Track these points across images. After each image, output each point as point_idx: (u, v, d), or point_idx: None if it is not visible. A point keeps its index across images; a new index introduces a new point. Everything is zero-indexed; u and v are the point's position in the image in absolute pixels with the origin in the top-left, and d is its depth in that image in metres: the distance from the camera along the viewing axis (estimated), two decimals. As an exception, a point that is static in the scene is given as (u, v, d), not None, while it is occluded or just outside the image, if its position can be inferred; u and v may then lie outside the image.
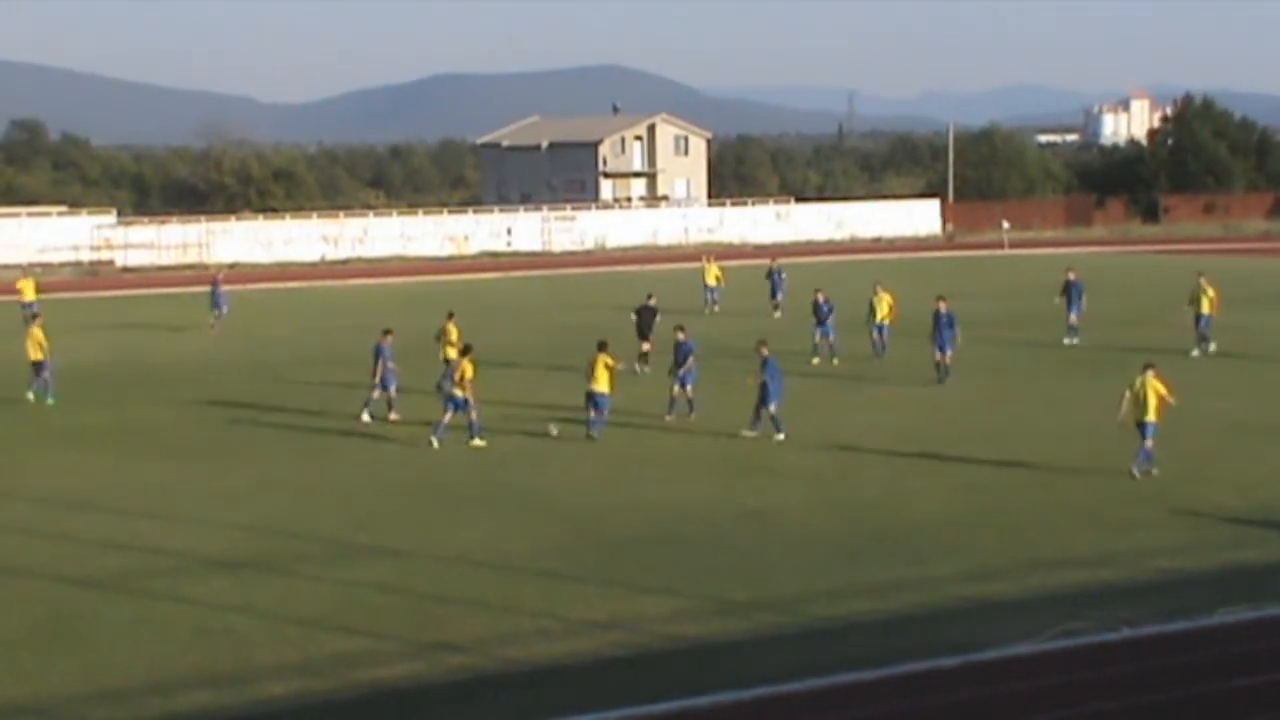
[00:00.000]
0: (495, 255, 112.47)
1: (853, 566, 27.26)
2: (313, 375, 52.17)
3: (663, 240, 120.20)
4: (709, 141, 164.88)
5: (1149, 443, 33.80)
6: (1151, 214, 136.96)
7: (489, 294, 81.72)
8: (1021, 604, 24.83)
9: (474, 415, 39.15)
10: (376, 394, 43.25)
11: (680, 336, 43.14)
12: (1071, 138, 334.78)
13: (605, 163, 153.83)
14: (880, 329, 54.04)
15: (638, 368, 50.51)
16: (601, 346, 40.68)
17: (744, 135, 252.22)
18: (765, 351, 39.91)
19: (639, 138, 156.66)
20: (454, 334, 47.93)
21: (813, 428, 40.75)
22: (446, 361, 45.02)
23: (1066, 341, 56.00)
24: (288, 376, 52.06)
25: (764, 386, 39.42)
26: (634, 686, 21.35)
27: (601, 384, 40.02)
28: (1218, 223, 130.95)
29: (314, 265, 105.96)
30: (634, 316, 52.82)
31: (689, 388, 42.86)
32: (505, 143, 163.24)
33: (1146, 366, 34.61)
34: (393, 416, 42.84)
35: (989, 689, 21.27)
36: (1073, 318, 56.85)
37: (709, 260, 75.29)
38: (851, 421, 41.48)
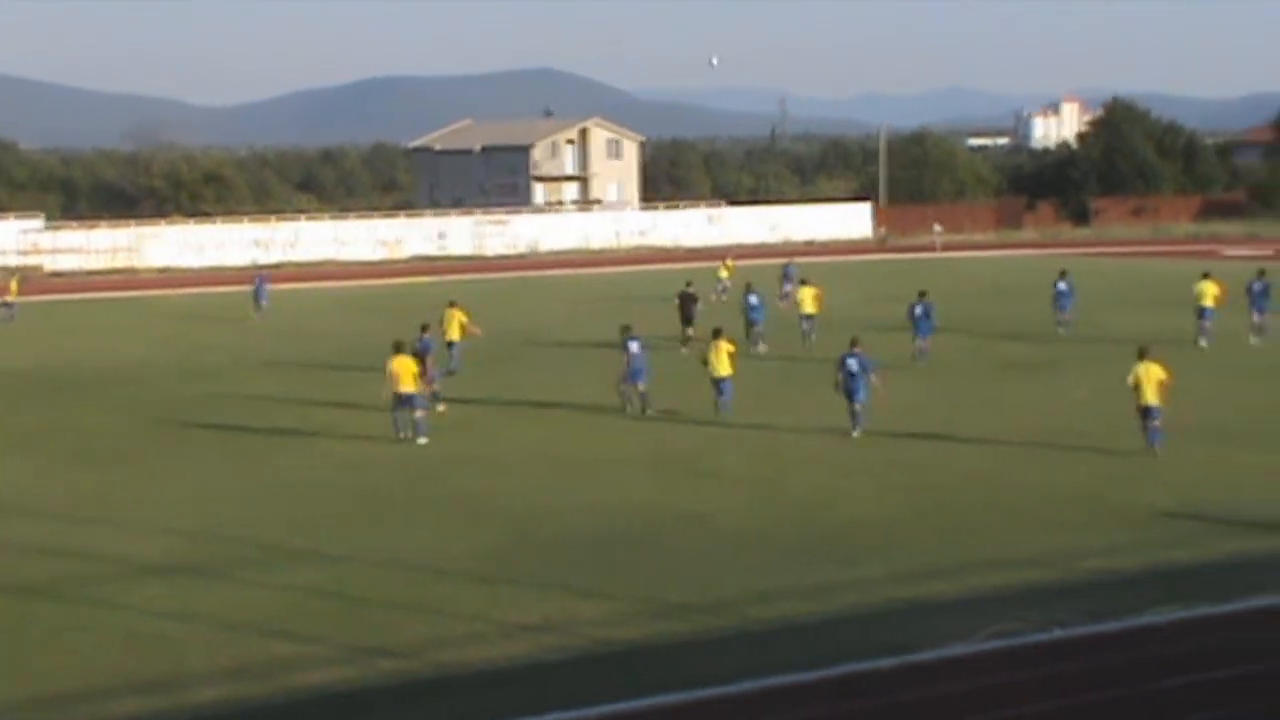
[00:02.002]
0: (428, 259, 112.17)
1: (789, 568, 27.32)
2: (247, 379, 51.95)
3: (595, 244, 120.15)
4: (641, 145, 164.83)
5: (1156, 423, 36.01)
6: (1081, 217, 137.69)
7: (422, 297, 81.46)
8: (956, 605, 24.94)
9: (420, 414, 39.28)
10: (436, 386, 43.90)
11: (627, 336, 43.60)
12: (1002, 141, 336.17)
13: (538, 166, 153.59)
14: (808, 320, 57.52)
15: (684, 350, 54.22)
16: (717, 333, 43.45)
17: (676, 138, 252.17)
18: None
19: (571, 141, 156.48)
20: (462, 317, 51.54)
21: (751, 430, 40.87)
22: (449, 345, 49.96)
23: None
24: (222, 381, 51.82)
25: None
26: (569, 690, 21.34)
27: (724, 368, 42.55)
28: (1147, 225, 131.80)
29: (245, 269, 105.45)
30: (676, 303, 57.93)
31: (641, 385, 43.22)
32: (438, 146, 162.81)
33: (1142, 354, 36.62)
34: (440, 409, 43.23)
35: (923, 690, 21.35)
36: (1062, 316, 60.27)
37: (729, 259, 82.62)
38: (789, 423, 41.55)
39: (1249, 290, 57.17)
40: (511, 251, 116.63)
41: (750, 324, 57.31)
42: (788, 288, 72.22)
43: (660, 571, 27.28)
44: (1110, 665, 22.20)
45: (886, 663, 22.13)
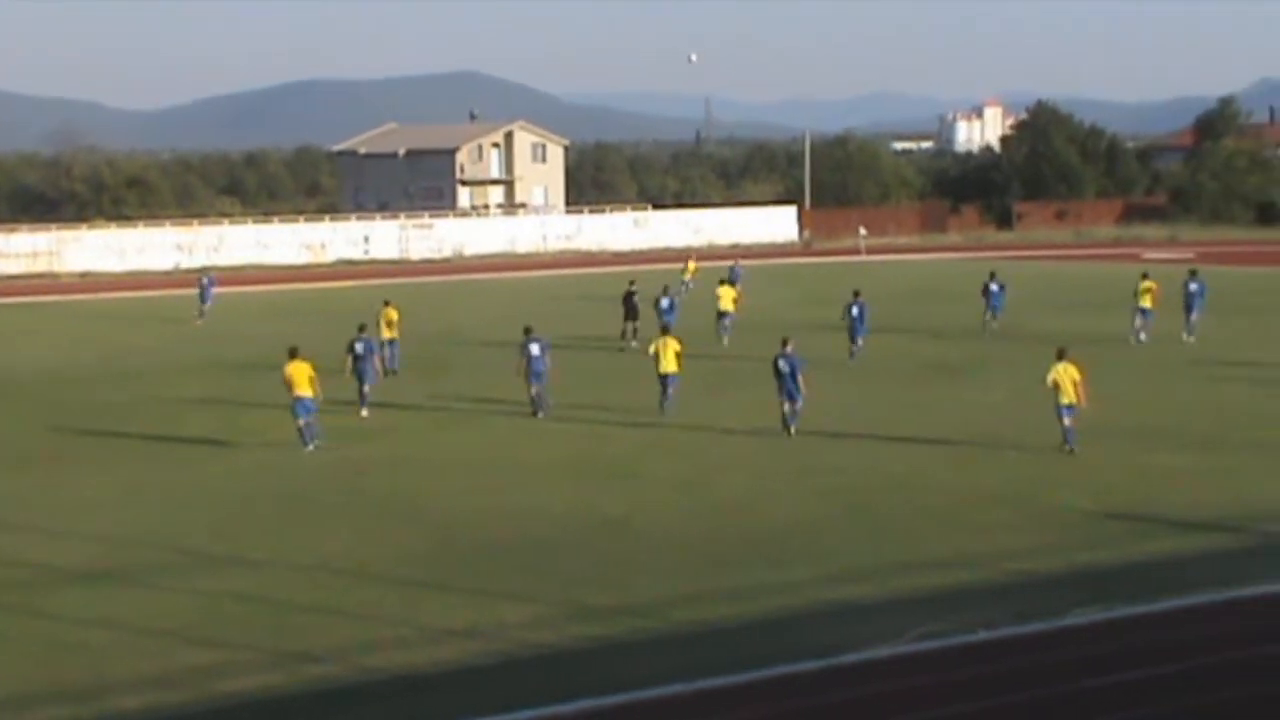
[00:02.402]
0: (352, 263, 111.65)
1: (714, 571, 27.32)
2: (168, 383, 51.59)
3: (521, 248, 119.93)
4: (567, 149, 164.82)
5: (1069, 422, 36.86)
6: (1005, 220, 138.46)
7: (347, 301, 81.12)
8: (882, 606, 25.00)
9: (308, 420, 38.95)
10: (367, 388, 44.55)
11: (528, 338, 43.77)
12: (926, 145, 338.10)
13: (463, 170, 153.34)
14: (724, 318, 60.12)
15: (634, 344, 56.56)
16: (665, 331, 45.44)
17: (602, 142, 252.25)
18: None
19: (496, 145, 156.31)
20: (394, 316, 52.79)
21: (675, 431, 40.92)
22: (390, 343, 51.53)
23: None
24: (142, 385, 51.44)
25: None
26: (495, 694, 21.28)
27: (670, 365, 43.46)
28: (1069, 229, 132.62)
29: (168, 274, 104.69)
30: (622, 303, 59.39)
31: (535, 387, 43.55)
32: (362, 150, 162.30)
33: (1060, 355, 37.43)
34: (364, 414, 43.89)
35: (850, 692, 21.40)
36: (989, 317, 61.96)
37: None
38: (712, 425, 41.58)
39: (1184, 289, 58.32)
40: (437, 255, 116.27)
41: (664, 328, 56.89)
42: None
43: (586, 575, 27.24)
44: (1035, 666, 22.30)
45: (813, 665, 22.15)
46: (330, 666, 22.57)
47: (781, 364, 40.08)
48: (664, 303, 59.24)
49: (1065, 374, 37.03)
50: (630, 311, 59.20)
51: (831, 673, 21.96)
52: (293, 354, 39.71)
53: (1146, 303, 57.57)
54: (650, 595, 25.89)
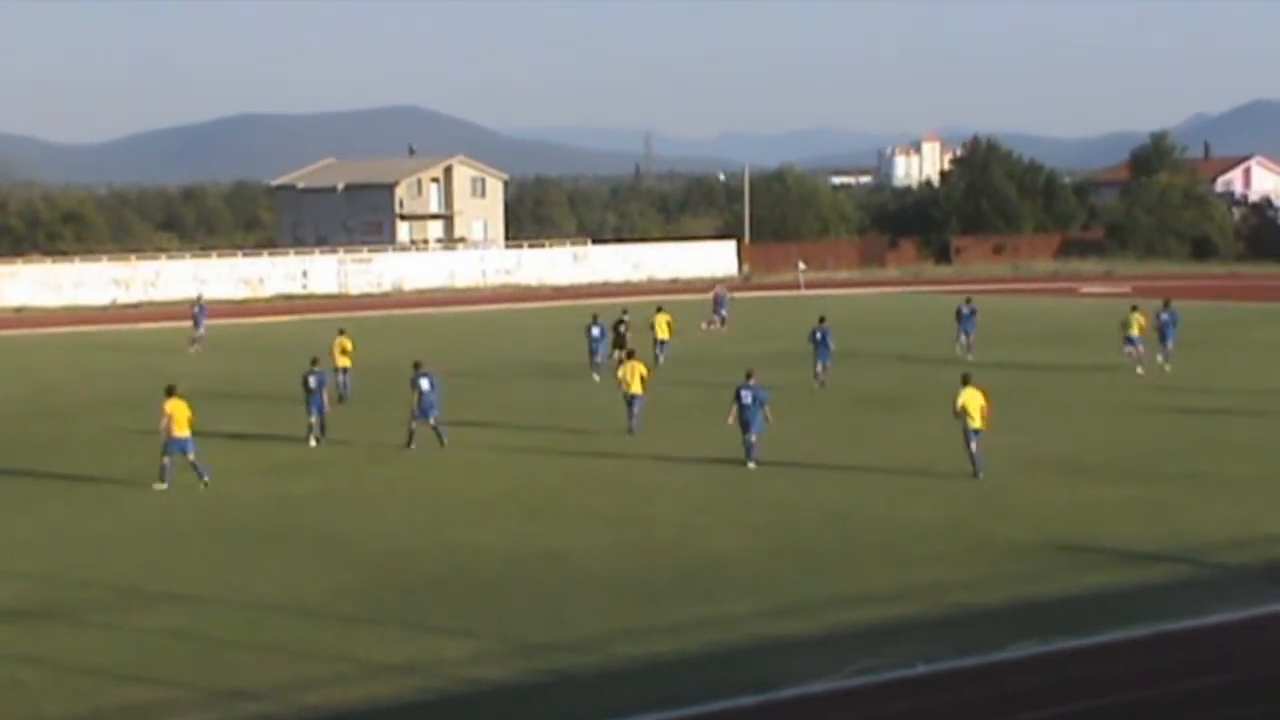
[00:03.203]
0: (290, 298, 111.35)
1: (652, 606, 27.26)
2: (101, 420, 51.20)
3: (460, 282, 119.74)
4: (506, 183, 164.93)
5: (973, 446, 37.69)
6: (943, 255, 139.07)
7: (285, 335, 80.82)
8: (819, 641, 24.98)
9: (182, 458, 38.77)
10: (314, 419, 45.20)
11: (418, 373, 44.23)
12: (865, 179, 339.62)
13: (402, 205, 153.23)
14: (662, 345, 63.18)
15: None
16: (630, 355, 47.66)
17: (541, 176, 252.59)
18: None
19: (436, 180, 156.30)
20: (348, 346, 54.40)
21: (610, 463, 40.91)
22: (343, 371, 53.14)
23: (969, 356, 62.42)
24: (75, 422, 51.03)
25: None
26: (433, 731, 21.15)
27: (636, 387, 45.58)
28: (1007, 263, 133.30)
29: (104, 309, 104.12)
30: (612, 332, 60.87)
31: (431, 419, 43.79)
32: (301, 184, 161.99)
33: (965, 380, 38.30)
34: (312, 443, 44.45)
35: (788, 726, 21.35)
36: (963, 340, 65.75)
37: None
38: (649, 459, 41.55)
39: (1158, 320, 60.73)
40: (376, 290, 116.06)
41: (591, 353, 60.18)
42: (723, 312, 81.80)
43: (524, 610, 27.15)
44: (974, 700, 22.32)
45: (750, 700, 22.11)
46: (267, 704, 22.39)
47: (745, 394, 40.35)
48: (594, 331, 60.57)
49: (972, 400, 37.84)
50: (619, 340, 60.20)
51: (769, 708, 21.91)
52: (170, 392, 39.52)
53: (1134, 331, 60.18)
54: (588, 630, 25.80)
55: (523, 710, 22.11)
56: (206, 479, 38.53)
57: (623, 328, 61.18)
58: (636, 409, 45.73)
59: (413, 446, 43.73)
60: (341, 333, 55.65)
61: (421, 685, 23.13)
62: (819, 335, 57.08)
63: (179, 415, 38.69)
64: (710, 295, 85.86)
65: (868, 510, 34.97)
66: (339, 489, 38.64)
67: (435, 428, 43.78)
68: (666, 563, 30.50)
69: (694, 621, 26.19)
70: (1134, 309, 61.65)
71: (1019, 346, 68.08)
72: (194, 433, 38.90)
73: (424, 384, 43.87)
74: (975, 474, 37.66)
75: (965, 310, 67.13)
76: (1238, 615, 26.20)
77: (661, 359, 61.96)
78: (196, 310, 77.32)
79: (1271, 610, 26.55)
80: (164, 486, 38.41)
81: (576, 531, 33.38)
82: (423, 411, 43.83)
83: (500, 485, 38.77)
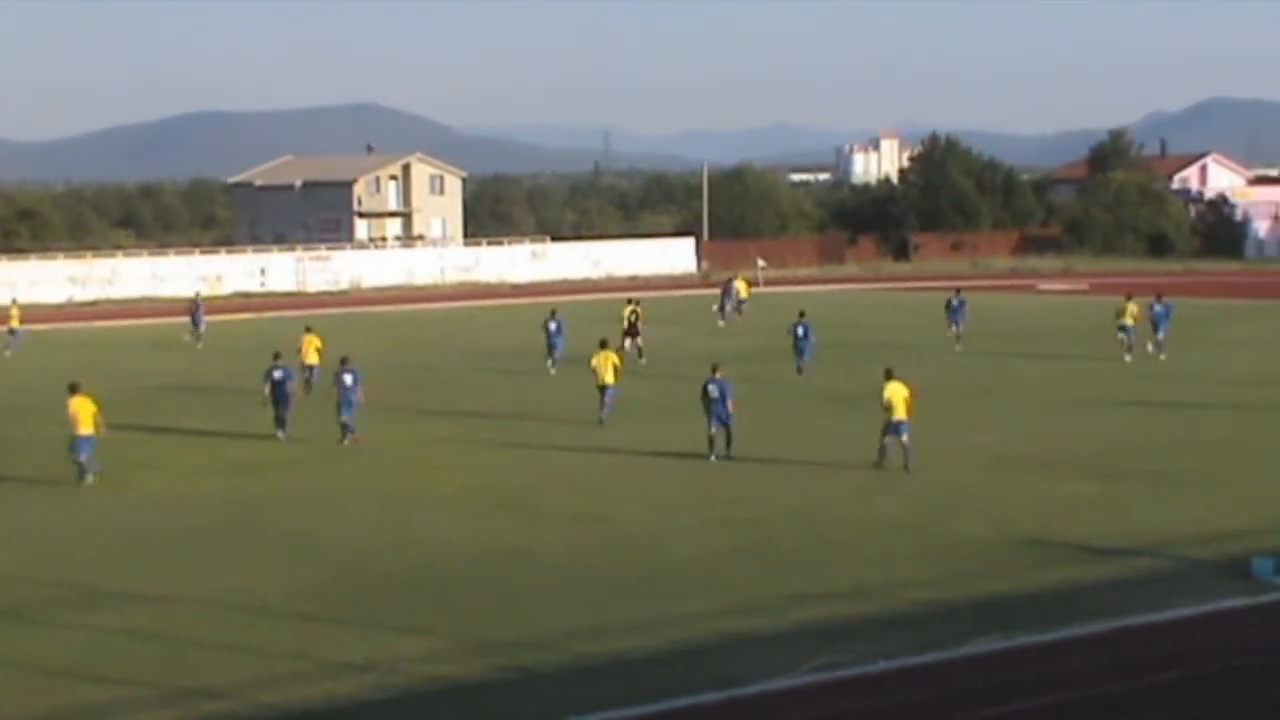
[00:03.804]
0: (248, 296, 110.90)
1: (615, 603, 27.23)
2: (56, 420, 50.82)
3: (419, 280, 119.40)
4: (465, 181, 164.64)
5: (905, 438, 38.31)
6: (902, 252, 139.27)
7: (244, 333, 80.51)
8: (781, 638, 24.99)
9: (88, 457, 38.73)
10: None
11: (342, 368, 44.81)
12: (824, 177, 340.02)
13: (360, 202, 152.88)
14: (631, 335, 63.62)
15: (641, 362, 61.50)
16: (603, 345, 47.79)
17: (500, 174, 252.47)
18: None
19: (394, 177, 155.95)
20: (318, 343, 55.24)
21: (573, 461, 40.86)
22: (311, 369, 53.44)
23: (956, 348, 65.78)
24: (29, 422, 50.70)
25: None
26: (394, 729, 21.09)
27: (608, 377, 46.39)
28: (966, 260, 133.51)
29: (60, 307, 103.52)
30: (625, 321, 63.39)
31: (345, 416, 44.21)
32: (258, 182, 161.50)
33: (889, 374, 39.01)
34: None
35: (750, 723, 21.35)
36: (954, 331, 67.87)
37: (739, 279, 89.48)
38: (612, 456, 41.53)
39: (1151, 311, 62.99)
40: (334, 288, 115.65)
41: (550, 348, 60.97)
42: (729, 303, 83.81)
43: (485, 608, 27.10)
44: (935, 696, 22.35)
45: (713, 697, 22.12)
46: (226, 703, 22.31)
47: (711, 389, 40.78)
48: (552, 326, 61.32)
49: (897, 393, 38.64)
50: (631, 329, 63.12)
51: (732, 705, 21.92)
52: (74, 389, 39.69)
53: (1129, 320, 62.37)
54: (551, 628, 25.77)
55: (483, 708, 22.07)
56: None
57: (634, 317, 63.56)
58: (609, 398, 46.57)
59: (346, 441, 43.88)
60: (309, 330, 56.37)
61: (380, 683, 23.08)
62: (800, 330, 58.59)
63: (82, 413, 38.66)
64: (722, 289, 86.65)
65: (831, 507, 35.00)
66: (300, 487, 38.51)
67: (344, 424, 44.13)
68: (629, 560, 30.48)
69: (656, 619, 26.18)
70: (1128, 298, 63.66)
71: (982, 343, 68.16)
72: (153, 429, 38.77)
73: (347, 379, 44.31)
74: (908, 466, 38.17)
75: (955, 302, 69.23)
76: (1196, 610, 26.31)
77: (633, 351, 62.61)
78: (195, 308, 77.98)
79: (1230, 605, 26.66)
80: (90, 480, 38.51)
81: (539, 528, 33.34)
82: (347, 406, 44.22)
83: (462, 482, 38.70)
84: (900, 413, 38.58)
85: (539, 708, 21.90)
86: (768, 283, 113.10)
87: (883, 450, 38.79)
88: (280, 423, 45.20)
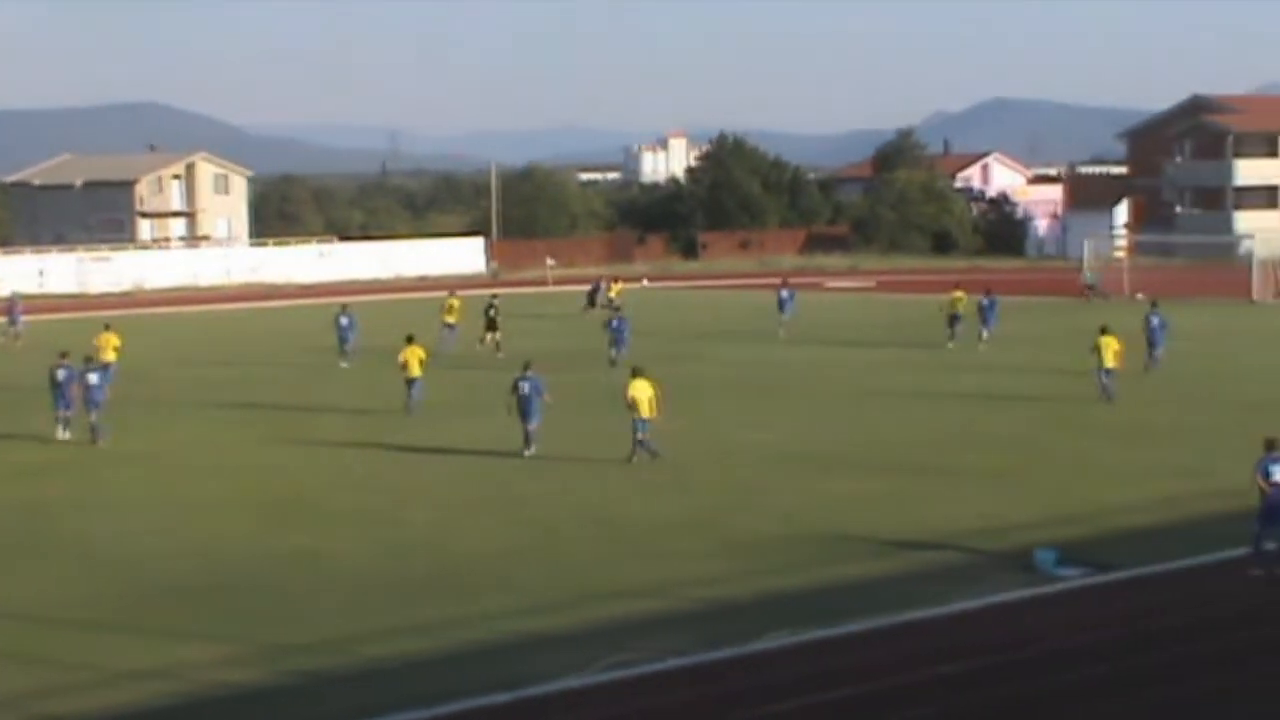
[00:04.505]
0: (27, 297, 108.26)
1: (403, 605, 27.04)
2: None
3: (204, 281, 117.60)
4: (250, 180, 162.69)
5: (641, 435, 39.21)
6: (690, 250, 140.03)
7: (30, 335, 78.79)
8: (573, 637, 24.97)
9: None
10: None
11: (86, 366, 45.06)
12: (613, 176, 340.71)
13: (143, 202, 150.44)
14: (451, 329, 65.73)
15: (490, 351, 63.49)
16: (410, 340, 48.32)
17: (287, 174, 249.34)
18: None
19: (178, 176, 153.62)
20: (116, 341, 55.08)
21: (360, 461, 40.56)
22: (105, 367, 51.34)
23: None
24: None
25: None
26: (179, 738, 20.74)
27: (415, 370, 47.76)
28: (753, 258, 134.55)
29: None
30: (483, 316, 65.97)
31: (92, 416, 43.90)
32: (37, 181, 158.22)
33: (635, 373, 40.03)
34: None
35: (542, 723, 21.30)
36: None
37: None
38: (399, 458, 41.25)
39: (980, 304, 65.25)
40: (117, 289, 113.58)
41: (341, 342, 62.26)
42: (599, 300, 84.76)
43: (274, 612, 26.76)
44: (726, 692, 22.45)
45: (504, 698, 22.04)
46: (5, 714, 21.83)
47: (523, 385, 41.33)
48: (342, 320, 62.94)
49: (641, 391, 39.38)
50: (490, 323, 65.52)
51: (523, 705, 21.86)
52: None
53: (959, 309, 65.76)
54: (339, 631, 25.52)
55: (272, 713, 21.83)
56: None
57: (492, 311, 65.77)
58: (415, 391, 47.86)
59: (99, 444, 43.41)
60: (107, 327, 56.61)
61: (166, 691, 22.71)
62: (614, 324, 61.57)
63: None
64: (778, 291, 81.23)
65: (619, 506, 35.04)
66: (83, 492, 37.73)
67: (92, 426, 43.70)
68: (420, 561, 30.29)
69: (447, 620, 26.03)
70: (957, 286, 67.53)
71: (771, 340, 68.73)
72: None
73: (92, 378, 44.14)
74: (629, 458, 39.25)
75: (784, 294, 71.92)
76: (981, 603, 26.72)
77: (492, 344, 64.51)
78: (10, 306, 77.70)
79: (1013, 597, 27.12)
80: None
81: (329, 531, 33.00)
82: (93, 405, 43.77)
83: (249, 484, 38.18)
84: (644, 411, 39.32)
85: (329, 712, 21.68)
86: (557, 282, 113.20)
87: (636, 446, 39.39)
88: (62, 422, 44.33)
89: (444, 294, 71.06)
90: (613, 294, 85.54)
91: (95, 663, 24.01)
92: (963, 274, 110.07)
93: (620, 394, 40.41)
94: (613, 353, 60.03)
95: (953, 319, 66.12)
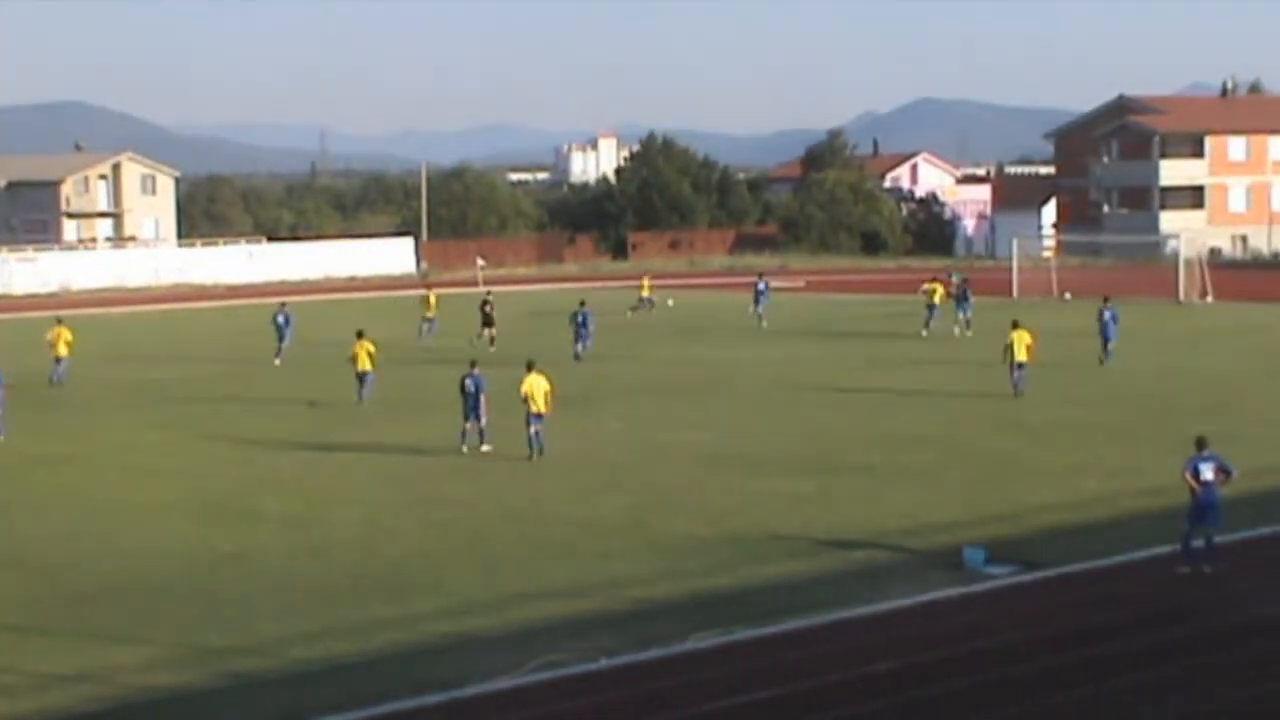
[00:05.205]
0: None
1: (332, 607, 26.94)
2: None
3: (131, 282, 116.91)
4: (178, 180, 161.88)
5: (534, 429, 39.90)
6: (620, 250, 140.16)
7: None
8: (502, 638, 24.93)
9: None
10: None
11: None
12: (543, 176, 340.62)
13: (68, 202, 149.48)
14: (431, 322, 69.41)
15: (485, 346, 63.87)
16: (360, 335, 50.11)
17: (215, 174, 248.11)
18: None
19: (104, 177, 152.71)
20: (69, 335, 57.19)
21: (287, 464, 40.41)
22: (58, 361, 56.13)
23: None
24: None
25: None
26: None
27: (364, 364, 49.55)
28: (683, 258, 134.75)
29: None
30: (479, 311, 68.40)
31: None
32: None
33: (530, 367, 40.62)
34: None
35: (472, 725, 21.26)
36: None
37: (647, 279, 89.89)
38: (327, 459, 41.08)
39: (956, 293, 70.20)
40: (42, 290, 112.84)
41: (279, 340, 63.27)
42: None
43: (201, 616, 26.62)
44: (656, 692, 22.47)
45: (433, 699, 21.99)
46: (-72, 720, 21.60)
47: (468, 384, 41.61)
48: (280, 319, 63.49)
49: (535, 385, 39.99)
50: (487, 319, 67.52)
51: (454, 706, 21.83)
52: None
53: (936, 300, 69.46)
54: (267, 634, 25.40)
55: (202, 717, 21.70)
56: None
57: (488, 307, 67.88)
58: (367, 384, 49.65)
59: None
60: (59, 321, 59.24)
61: (93, 694, 22.55)
62: (580, 318, 62.68)
63: None
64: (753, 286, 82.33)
65: (548, 506, 35.02)
66: (9, 494, 37.45)
67: None
68: (347, 563, 30.19)
69: (375, 622, 25.96)
70: (934, 279, 71.95)
71: (699, 339, 68.86)
72: None
73: None
74: (539, 453, 39.93)
75: (760, 287, 75.82)
76: (911, 601, 26.82)
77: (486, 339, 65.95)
78: None
79: (943, 595, 27.23)
80: None
81: (256, 534, 32.85)
82: None
83: (175, 486, 37.96)
84: (539, 405, 39.83)
85: (258, 715, 21.58)
86: (487, 281, 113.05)
87: (531, 441, 39.95)
88: None
89: (423, 290, 74.34)
90: (645, 292, 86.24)
91: (23, 667, 23.84)
92: (891, 274, 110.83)
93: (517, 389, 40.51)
94: (578, 347, 61.69)
95: (929, 308, 69.55)
